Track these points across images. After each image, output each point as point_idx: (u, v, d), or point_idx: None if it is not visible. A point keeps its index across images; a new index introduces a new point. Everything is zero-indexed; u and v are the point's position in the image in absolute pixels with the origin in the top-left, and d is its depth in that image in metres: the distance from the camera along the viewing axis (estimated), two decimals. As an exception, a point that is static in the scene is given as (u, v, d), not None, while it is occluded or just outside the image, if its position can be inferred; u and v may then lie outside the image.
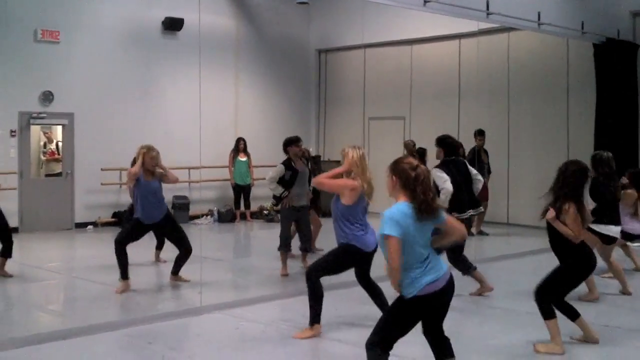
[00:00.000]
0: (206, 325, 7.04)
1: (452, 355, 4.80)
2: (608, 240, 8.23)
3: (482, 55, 13.89)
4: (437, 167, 8.08)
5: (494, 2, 10.73)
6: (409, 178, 4.48)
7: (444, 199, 7.72)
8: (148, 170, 8.42)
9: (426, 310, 4.54)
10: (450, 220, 4.72)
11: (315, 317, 6.47)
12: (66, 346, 6.29)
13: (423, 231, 4.49)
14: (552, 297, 6.11)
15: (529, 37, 13.71)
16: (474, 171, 8.46)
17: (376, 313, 5.84)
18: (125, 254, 8.33)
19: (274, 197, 10.06)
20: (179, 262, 8.74)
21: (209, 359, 6.00)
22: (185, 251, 8.65)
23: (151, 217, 8.46)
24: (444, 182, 7.83)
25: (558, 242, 6.19)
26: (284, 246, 9.48)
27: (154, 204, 8.45)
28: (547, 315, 6.06)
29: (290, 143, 9.59)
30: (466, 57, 15.02)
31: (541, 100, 14.34)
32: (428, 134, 15.17)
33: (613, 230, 8.19)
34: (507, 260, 10.73)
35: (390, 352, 4.53)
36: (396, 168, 4.57)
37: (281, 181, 9.33)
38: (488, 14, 10.81)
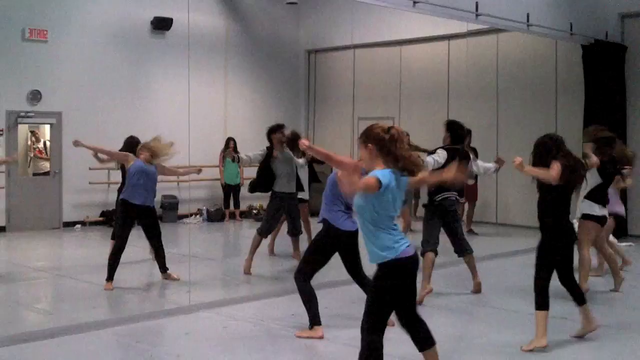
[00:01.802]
0: (194, 324, 7.02)
1: (434, 344, 4.74)
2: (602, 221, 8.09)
3: (471, 56, 13.94)
4: (438, 148, 8.02)
5: (483, 3, 10.77)
6: (384, 141, 4.45)
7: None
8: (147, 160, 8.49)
9: (404, 276, 4.46)
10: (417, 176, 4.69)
11: (312, 318, 6.44)
12: (53, 345, 6.26)
13: (398, 196, 4.48)
14: (544, 282, 6.05)
15: (518, 38, 13.76)
16: (481, 167, 8.53)
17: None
18: (120, 257, 8.33)
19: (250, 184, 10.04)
20: (161, 259, 8.73)
21: (197, 358, 5.98)
22: (157, 249, 8.70)
23: (139, 197, 8.42)
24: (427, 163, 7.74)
25: (542, 207, 6.24)
26: (264, 232, 9.42)
27: (145, 185, 8.45)
28: (538, 306, 6.03)
29: (273, 131, 9.55)
30: (455, 58, 15.06)
31: (530, 101, 14.39)
32: (417, 134, 15.24)
33: (597, 210, 8.01)
34: (497, 260, 10.76)
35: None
36: (370, 134, 4.52)
37: (267, 169, 9.35)
38: (477, 15, 10.85)
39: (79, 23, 14.13)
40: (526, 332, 6.36)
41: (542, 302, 6.03)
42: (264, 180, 9.45)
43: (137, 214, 8.55)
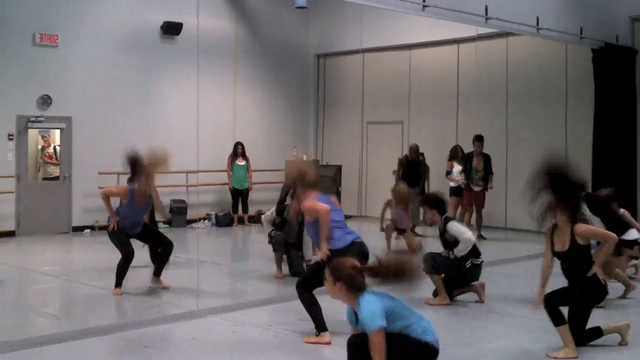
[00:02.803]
0: (202, 329, 7.01)
1: None
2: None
3: (480, 60, 13.91)
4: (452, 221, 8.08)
5: (492, 7, 10.73)
6: (355, 279, 4.56)
7: (463, 248, 7.81)
8: (141, 192, 8.33)
9: None
10: None
11: (318, 325, 6.44)
12: (62, 350, 6.27)
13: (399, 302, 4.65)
14: (558, 304, 6.04)
15: (528, 42, 13.72)
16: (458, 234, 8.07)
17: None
18: (128, 267, 8.37)
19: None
20: (162, 261, 8.69)
21: (205, 363, 5.98)
22: (167, 247, 8.60)
23: (133, 231, 8.49)
24: (464, 234, 7.86)
25: (575, 268, 6.16)
26: (279, 246, 9.45)
27: (136, 223, 8.49)
28: (558, 321, 6.00)
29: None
30: (465, 62, 15.04)
31: (539, 105, 14.34)
32: (426, 138, 15.28)
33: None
34: (505, 265, 10.70)
35: None
36: (340, 274, 4.60)
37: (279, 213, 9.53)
38: (487, 19, 10.81)
39: (89, 28, 14.18)
40: (536, 338, 6.32)
41: (560, 316, 6.00)
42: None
43: (139, 237, 8.66)
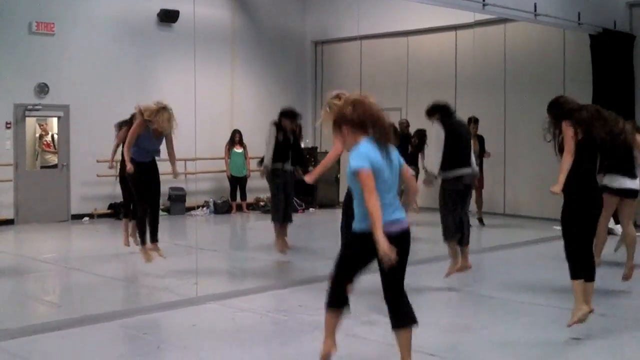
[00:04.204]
0: (202, 315, 7.03)
1: (411, 323, 4.62)
2: (624, 193, 7.77)
3: (478, 46, 13.87)
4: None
5: (490, -7, 10.71)
6: (348, 115, 4.50)
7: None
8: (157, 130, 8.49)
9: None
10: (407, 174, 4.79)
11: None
12: (61, 337, 6.28)
13: (391, 167, 4.52)
14: (574, 247, 5.93)
15: (526, 28, 13.69)
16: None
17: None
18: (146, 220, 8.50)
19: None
20: (154, 225, 8.79)
21: (204, 350, 5.99)
22: (156, 213, 8.76)
23: (146, 158, 8.61)
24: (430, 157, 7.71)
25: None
26: (277, 217, 9.41)
27: (150, 150, 8.65)
28: (572, 275, 5.94)
29: (285, 115, 9.56)
30: (462, 49, 15.00)
31: (537, 91, 14.26)
32: (424, 125, 15.20)
33: (627, 184, 7.71)
34: (504, 251, 10.72)
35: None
36: (341, 117, 4.55)
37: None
38: (484, 5, 10.78)
39: (86, 16, 14.13)
40: (533, 323, 6.34)
41: (576, 269, 5.93)
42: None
43: (145, 173, 8.67)
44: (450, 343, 6.12)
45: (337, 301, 4.74)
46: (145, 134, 8.50)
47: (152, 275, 8.89)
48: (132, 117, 8.95)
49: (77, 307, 7.37)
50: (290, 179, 9.53)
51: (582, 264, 5.97)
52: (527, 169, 14.19)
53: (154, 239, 8.84)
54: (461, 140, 7.74)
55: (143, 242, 8.63)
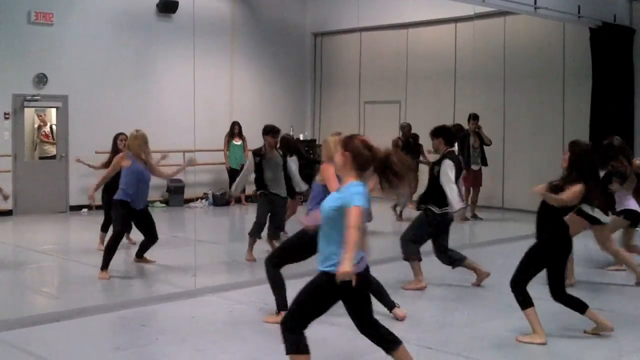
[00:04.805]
0: (200, 307, 7.04)
1: (400, 343, 4.60)
2: (592, 220, 7.93)
3: (478, 39, 13.84)
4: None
5: (490, -15, 10.70)
6: (363, 157, 4.42)
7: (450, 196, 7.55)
8: (139, 156, 8.36)
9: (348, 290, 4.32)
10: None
11: (283, 304, 6.28)
12: (59, 328, 6.30)
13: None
14: (525, 283, 5.97)
15: (525, 21, 13.67)
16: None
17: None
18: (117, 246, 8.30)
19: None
20: (146, 246, 8.74)
21: (202, 341, 6.01)
22: (152, 238, 8.63)
23: (140, 203, 8.39)
24: (450, 183, 7.56)
25: (542, 212, 6.05)
26: (255, 232, 9.33)
27: (144, 191, 8.41)
28: (524, 304, 5.92)
29: (267, 132, 9.27)
30: (462, 41, 14.97)
31: (537, 85, 14.32)
32: (424, 118, 15.23)
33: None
34: (502, 245, 10.74)
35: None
36: (352, 144, 4.46)
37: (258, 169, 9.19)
38: (484, -3, 10.78)
39: (85, 6, 14.09)
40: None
41: (527, 299, 5.93)
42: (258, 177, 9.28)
43: (136, 217, 8.53)
44: (449, 337, 6.13)
45: (305, 346, 4.54)
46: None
47: (151, 267, 8.90)
48: None
49: (75, 298, 7.38)
50: (280, 203, 9.31)
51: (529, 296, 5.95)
52: (526, 161, 14.20)
53: (141, 255, 8.79)
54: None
55: (104, 267, 8.11)
